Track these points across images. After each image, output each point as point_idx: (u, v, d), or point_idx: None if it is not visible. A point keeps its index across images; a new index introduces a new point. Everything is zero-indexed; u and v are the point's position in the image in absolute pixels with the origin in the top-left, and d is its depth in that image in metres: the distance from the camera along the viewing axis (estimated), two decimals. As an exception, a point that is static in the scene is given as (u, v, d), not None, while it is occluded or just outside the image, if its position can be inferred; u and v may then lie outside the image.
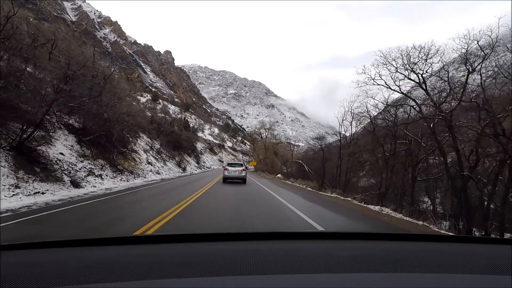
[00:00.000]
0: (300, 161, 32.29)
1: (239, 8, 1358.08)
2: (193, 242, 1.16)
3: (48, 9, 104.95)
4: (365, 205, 8.72)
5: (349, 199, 11.42)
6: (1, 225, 4.62)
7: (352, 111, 20.83)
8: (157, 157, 24.45)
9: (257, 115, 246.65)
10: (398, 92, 11.70)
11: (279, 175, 32.32)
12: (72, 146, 13.18)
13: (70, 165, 11.64)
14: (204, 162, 52.19)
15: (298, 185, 18.83)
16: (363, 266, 0.88)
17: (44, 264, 0.87)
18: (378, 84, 11.89)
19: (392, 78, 11.35)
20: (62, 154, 11.90)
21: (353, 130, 21.80)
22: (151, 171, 19.36)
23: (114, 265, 0.84)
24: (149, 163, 20.53)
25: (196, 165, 42.97)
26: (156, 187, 12.41)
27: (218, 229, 4.76)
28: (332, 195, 11.97)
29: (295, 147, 65.51)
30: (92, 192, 9.78)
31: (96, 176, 12.64)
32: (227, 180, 15.19)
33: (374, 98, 12.98)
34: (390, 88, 11.63)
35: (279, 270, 0.80)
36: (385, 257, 1.01)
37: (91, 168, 12.88)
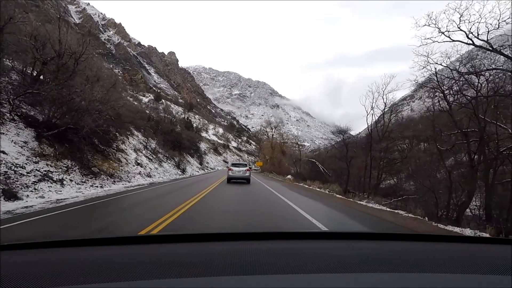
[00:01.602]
0: (314, 160, 28.74)
1: (243, 8, 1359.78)
2: (194, 242, 1.13)
3: (52, 11, 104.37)
4: (468, 232, 5.21)
5: (403, 214, 7.94)
6: None
7: (385, 96, 17.24)
8: (151, 157, 21.31)
9: (262, 115, 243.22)
10: (487, 49, 7.77)
11: (289, 176, 28.90)
12: (25, 142, 10.03)
13: (12, 167, 8.45)
14: (207, 162, 49.10)
15: (318, 189, 15.34)
16: (364, 266, 0.86)
17: (44, 264, 0.85)
18: (453, 40, 8.11)
19: (472, 32, 7.58)
20: (4, 153, 8.73)
21: (378, 117, 18.10)
22: (139, 173, 16.14)
23: (115, 265, 0.83)
24: (138, 164, 17.32)
25: (199, 166, 39.78)
26: (131, 197, 9.13)
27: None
28: (383, 207, 8.36)
29: (301, 146, 62.01)
30: (27, 207, 6.51)
31: (55, 181, 9.44)
32: (231, 180, 15.65)
33: (442, 65, 9.20)
34: (474, 44, 7.74)
35: (280, 270, 0.79)
36: (386, 257, 0.99)
37: (49, 171, 9.68)
